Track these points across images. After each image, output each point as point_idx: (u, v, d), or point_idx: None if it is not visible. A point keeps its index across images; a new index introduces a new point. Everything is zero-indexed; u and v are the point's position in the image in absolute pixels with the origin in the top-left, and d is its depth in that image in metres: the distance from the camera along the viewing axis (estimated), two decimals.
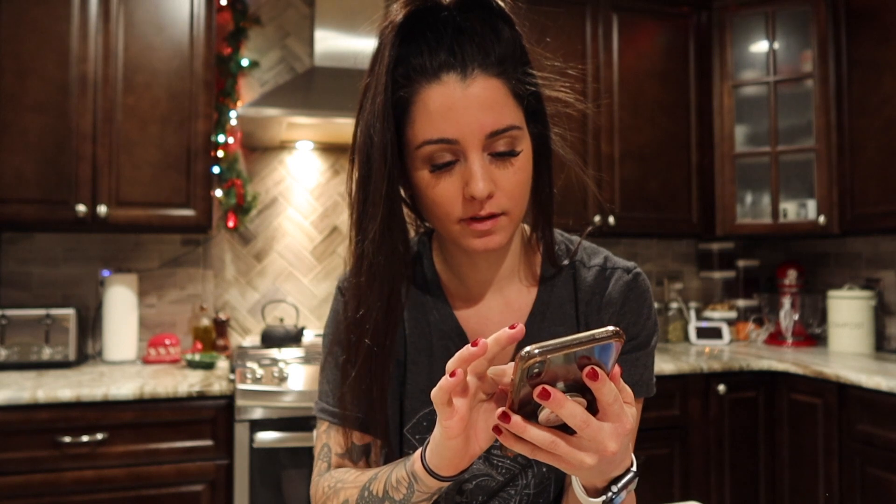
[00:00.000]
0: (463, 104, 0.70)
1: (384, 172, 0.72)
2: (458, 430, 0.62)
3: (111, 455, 1.96)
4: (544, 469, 0.84)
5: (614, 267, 0.86)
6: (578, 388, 0.56)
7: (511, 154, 0.72)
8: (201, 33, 2.37)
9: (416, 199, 0.78)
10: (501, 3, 0.73)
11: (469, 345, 0.59)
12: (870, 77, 2.54)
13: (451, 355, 0.81)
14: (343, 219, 2.85)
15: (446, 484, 0.67)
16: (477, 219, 0.72)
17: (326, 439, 0.86)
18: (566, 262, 0.86)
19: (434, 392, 0.61)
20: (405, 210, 0.79)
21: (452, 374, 0.59)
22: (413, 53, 0.71)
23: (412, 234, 0.87)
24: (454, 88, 0.70)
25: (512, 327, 0.59)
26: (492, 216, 0.72)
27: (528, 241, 0.86)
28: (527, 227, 0.86)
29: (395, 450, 0.86)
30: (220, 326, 2.61)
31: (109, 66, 2.29)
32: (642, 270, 0.88)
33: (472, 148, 0.70)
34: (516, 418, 0.56)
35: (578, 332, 0.81)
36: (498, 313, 0.85)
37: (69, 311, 2.32)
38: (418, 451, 0.68)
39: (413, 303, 0.86)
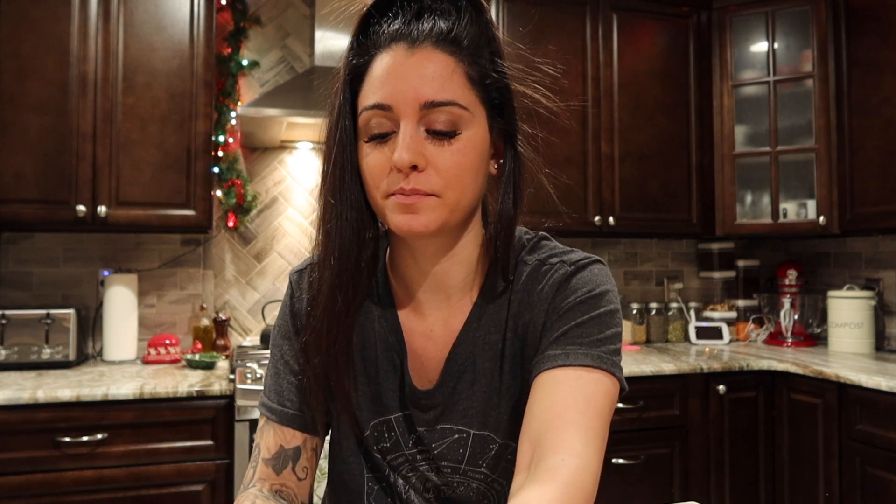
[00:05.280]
0: (402, 70, 0.68)
1: (335, 137, 0.72)
2: None
3: (111, 455, 1.96)
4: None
5: (560, 261, 0.77)
6: None
7: (449, 135, 0.68)
8: (201, 33, 2.37)
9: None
10: None
11: None
12: (870, 77, 2.54)
13: (396, 369, 0.80)
14: None
15: None
16: (404, 193, 0.68)
17: (259, 439, 0.83)
18: (502, 274, 0.78)
19: None
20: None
21: None
22: (373, 25, 0.72)
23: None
24: (399, 56, 0.69)
25: None
26: (417, 193, 0.68)
27: (485, 253, 0.80)
28: (481, 235, 0.80)
29: (359, 459, 0.83)
30: (220, 326, 2.61)
31: (109, 66, 2.29)
32: (602, 261, 0.78)
33: (406, 116, 0.68)
34: None
35: (505, 337, 0.74)
36: (441, 326, 0.80)
37: (69, 311, 2.32)
38: None
39: (362, 310, 0.82)
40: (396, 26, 0.70)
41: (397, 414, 0.80)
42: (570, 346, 0.71)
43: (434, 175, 0.68)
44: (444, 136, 0.68)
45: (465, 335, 0.79)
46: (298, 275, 0.86)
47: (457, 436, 0.78)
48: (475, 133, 0.71)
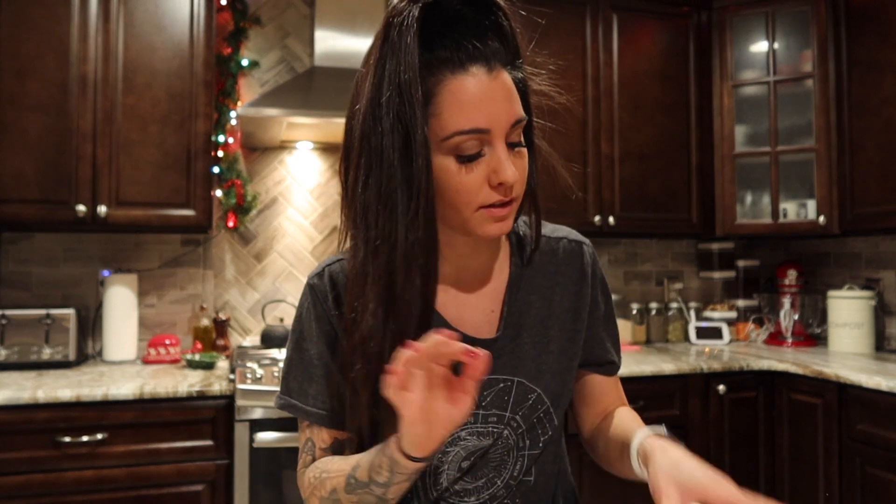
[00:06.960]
0: (491, 95, 0.73)
1: (424, 162, 0.71)
2: (415, 417, 0.66)
3: (111, 455, 1.96)
4: (537, 450, 0.88)
5: (578, 240, 0.94)
6: None
7: (521, 144, 0.77)
8: (201, 33, 2.37)
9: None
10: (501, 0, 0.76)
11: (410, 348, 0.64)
12: (870, 77, 2.54)
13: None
14: None
15: (424, 465, 0.71)
16: (497, 205, 0.75)
17: (310, 434, 0.87)
18: (533, 246, 0.90)
19: (386, 389, 0.66)
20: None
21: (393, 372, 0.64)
22: (436, 45, 0.72)
23: None
24: (483, 79, 0.72)
25: (472, 355, 0.63)
26: (511, 202, 0.76)
27: None
28: None
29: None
30: (220, 326, 2.61)
31: (109, 66, 2.29)
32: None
33: (499, 137, 0.73)
34: None
35: (552, 300, 0.89)
36: (475, 296, 0.87)
37: (69, 311, 2.32)
38: (395, 437, 0.71)
39: None
40: (469, 48, 0.72)
41: None
42: (612, 350, 0.96)
43: (518, 184, 0.76)
44: (519, 149, 0.76)
45: (509, 296, 0.88)
46: (319, 278, 0.87)
47: (502, 385, 0.85)
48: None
